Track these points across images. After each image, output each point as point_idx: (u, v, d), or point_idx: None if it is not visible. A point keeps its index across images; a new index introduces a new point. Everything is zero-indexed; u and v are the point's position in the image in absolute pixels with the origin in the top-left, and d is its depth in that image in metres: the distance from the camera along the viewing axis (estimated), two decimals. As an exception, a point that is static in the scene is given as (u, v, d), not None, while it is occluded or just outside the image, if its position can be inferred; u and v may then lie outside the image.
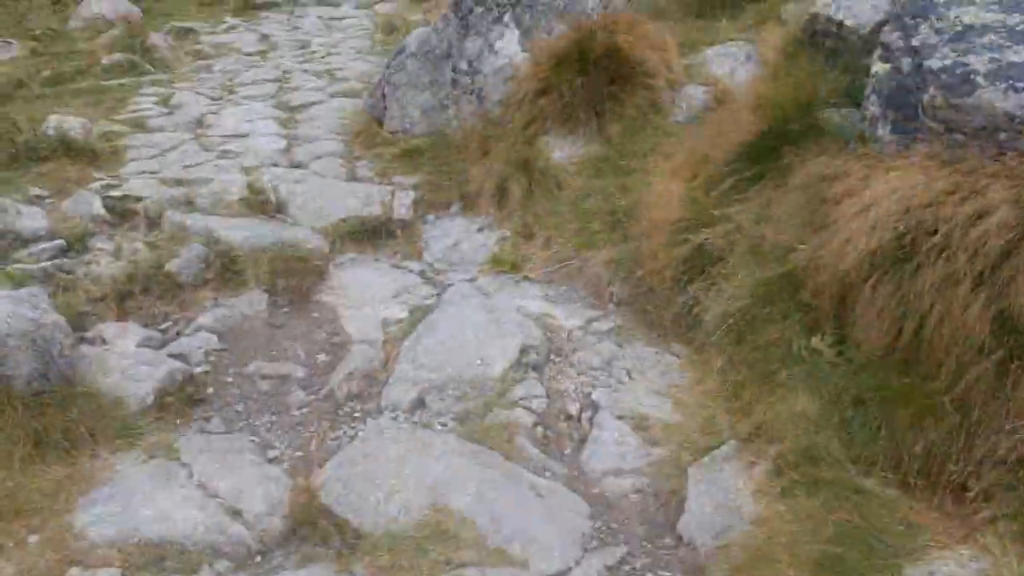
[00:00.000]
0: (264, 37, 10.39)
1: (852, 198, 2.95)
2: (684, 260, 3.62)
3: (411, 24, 9.93)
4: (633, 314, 3.88)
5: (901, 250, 2.72)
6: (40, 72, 8.20)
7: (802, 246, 3.14)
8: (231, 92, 7.40)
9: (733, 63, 5.12)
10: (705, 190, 3.78)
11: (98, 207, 4.72)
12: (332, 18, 12.19)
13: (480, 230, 4.72)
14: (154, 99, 7.03)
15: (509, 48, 5.25)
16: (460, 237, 4.67)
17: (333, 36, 10.61)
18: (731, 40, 5.37)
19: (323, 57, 9.19)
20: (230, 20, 11.72)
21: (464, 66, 5.35)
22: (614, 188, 4.51)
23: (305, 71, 8.21)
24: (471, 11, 5.31)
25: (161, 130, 6.18)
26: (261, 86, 7.61)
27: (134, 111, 6.66)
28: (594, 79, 4.90)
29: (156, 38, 9.28)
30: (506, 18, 5.25)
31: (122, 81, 7.51)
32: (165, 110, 6.73)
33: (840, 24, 3.94)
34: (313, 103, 6.83)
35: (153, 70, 8.13)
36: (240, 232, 4.44)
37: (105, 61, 8.03)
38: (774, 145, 3.71)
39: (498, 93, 5.30)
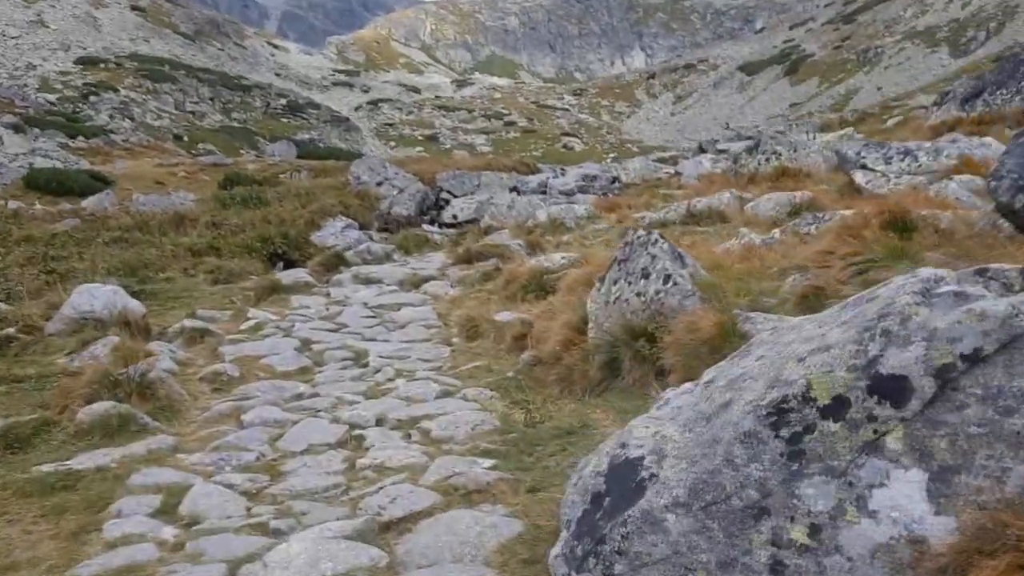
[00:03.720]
0: (304, 344, 7.87)
1: None
2: None
3: (500, 325, 7.49)
4: None
5: None
6: (-16, 427, 5.49)
7: None
8: (275, 478, 4.63)
9: None
10: None
11: None
12: (380, 306, 9.84)
13: None
14: (153, 505, 4.23)
15: (905, 505, 2.56)
16: None
17: (393, 339, 8.12)
18: None
19: (392, 381, 6.59)
20: (255, 313, 9.33)
21: (798, 535, 2.63)
22: None
23: (380, 422, 5.52)
24: (812, 426, 2.68)
25: (160, 610, 3.31)
26: (321, 459, 4.86)
27: (116, 544, 3.82)
28: None
29: (161, 359, 6.72)
30: (890, 443, 2.62)
31: (103, 462, 4.75)
32: (171, 535, 3.90)
33: None
34: (419, 514, 3.99)
35: (152, 424, 5.44)
36: None
37: (83, 415, 5.35)
38: None
39: (871, 591, 2.53)
